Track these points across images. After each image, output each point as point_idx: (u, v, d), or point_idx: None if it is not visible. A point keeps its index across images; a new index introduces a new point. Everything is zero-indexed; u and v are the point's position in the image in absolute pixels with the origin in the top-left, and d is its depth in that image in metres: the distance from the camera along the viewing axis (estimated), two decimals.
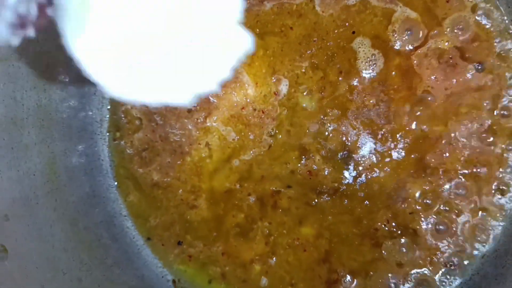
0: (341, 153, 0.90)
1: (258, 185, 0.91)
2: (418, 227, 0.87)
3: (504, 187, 0.87)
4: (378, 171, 0.89)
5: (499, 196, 0.87)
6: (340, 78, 0.91)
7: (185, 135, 0.94)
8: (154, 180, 0.94)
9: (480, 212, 0.87)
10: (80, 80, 0.87)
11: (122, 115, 0.96)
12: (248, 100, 0.93)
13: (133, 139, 0.95)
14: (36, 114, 0.80)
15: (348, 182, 0.90)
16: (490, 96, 0.87)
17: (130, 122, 0.95)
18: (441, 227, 0.87)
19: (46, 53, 0.80)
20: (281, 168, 0.91)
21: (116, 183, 0.95)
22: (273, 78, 0.93)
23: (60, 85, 0.86)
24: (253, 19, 0.93)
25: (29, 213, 0.75)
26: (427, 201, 0.87)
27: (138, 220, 0.94)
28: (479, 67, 0.88)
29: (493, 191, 0.87)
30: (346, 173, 0.90)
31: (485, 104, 0.88)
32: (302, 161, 0.91)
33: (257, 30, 0.93)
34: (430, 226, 0.87)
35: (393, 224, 0.88)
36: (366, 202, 0.89)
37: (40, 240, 0.75)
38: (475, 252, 0.87)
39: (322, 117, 0.91)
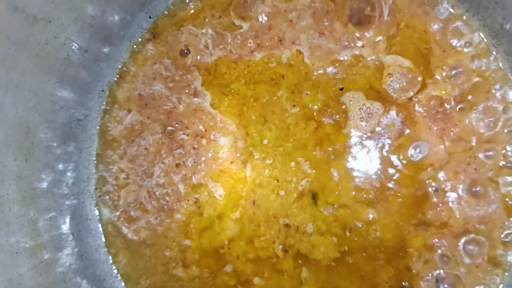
0: (337, 207, 0.88)
1: (251, 244, 0.89)
2: (420, 286, 0.85)
3: (508, 243, 0.84)
4: (377, 226, 0.86)
5: (503, 252, 0.84)
6: (334, 131, 0.88)
7: (174, 191, 0.91)
8: (142, 238, 0.92)
9: (485, 269, 0.84)
10: (64, 141, 0.85)
11: (109, 171, 0.93)
12: (237, 153, 0.90)
13: (121, 195, 0.93)
14: (17, 187, 0.77)
15: (348, 239, 0.87)
16: (491, 149, 0.85)
17: (117, 178, 0.93)
18: (445, 286, 0.84)
19: (24, 121, 0.78)
20: (275, 225, 0.89)
21: (104, 241, 0.93)
22: (263, 128, 0.90)
23: (43, 150, 0.83)
24: (242, 69, 0.90)
25: None
26: (428, 257, 0.85)
27: (128, 281, 0.92)
28: (480, 119, 0.85)
29: (496, 247, 0.84)
30: (344, 230, 0.87)
31: (485, 155, 0.85)
32: (297, 219, 0.88)
33: (247, 80, 0.90)
34: (432, 285, 0.85)
35: (395, 282, 0.86)
36: (368, 259, 0.86)
37: None
38: None
39: (315, 171, 0.88)
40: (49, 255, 0.81)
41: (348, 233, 0.87)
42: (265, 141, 0.90)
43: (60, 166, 0.87)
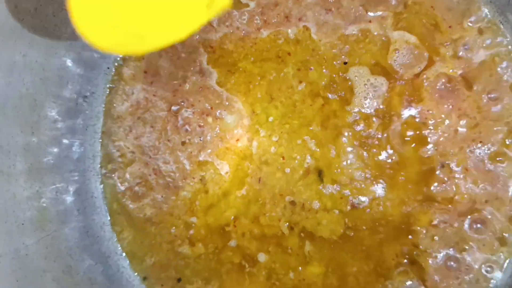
0: (343, 184, 0.87)
1: (256, 222, 0.88)
2: (427, 262, 0.84)
3: None
4: (384, 203, 0.86)
5: (510, 229, 0.84)
6: (340, 107, 0.88)
7: (179, 169, 0.91)
8: (147, 216, 0.92)
9: (491, 247, 0.84)
10: (70, 117, 0.85)
11: (115, 149, 0.93)
12: (243, 131, 0.90)
13: (126, 173, 0.93)
14: (23, 159, 0.77)
15: (354, 216, 0.86)
16: (498, 125, 0.84)
17: (123, 155, 0.93)
18: (452, 263, 0.84)
19: (32, 94, 0.78)
20: (281, 203, 0.88)
21: (109, 218, 0.93)
22: (270, 106, 0.90)
23: (49, 125, 0.83)
24: (249, 47, 0.90)
25: (18, 266, 0.72)
26: (435, 234, 0.85)
27: (133, 258, 0.92)
28: (486, 95, 0.85)
29: (503, 225, 0.84)
30: (350, 207, 0.87)
31: (491, 132, 0.84)
32: (303, 196, 0.88)
33: (254, 57, 0.90)
34: (439, 262, 0.84)
35: (403, 259, 0.85)
36: (374, 236, 0.86)
37: None
38: None
39: (321, 148, 0.88)
40: (54, 228, 0.81)
41: (353, 210, 0.86)
42: (271, 119, 0.89)
43: (66, 142, 0.87)
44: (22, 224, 0.74)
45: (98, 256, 0.89)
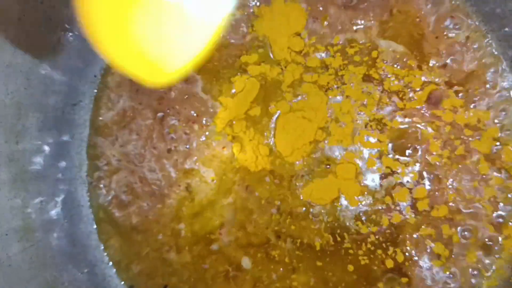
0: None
1: (243, 230, 0.88)
2: (413, 271, 0.85)
3: (499, 226, 0.84)
4: (371, 213, 0.86)
5: (495, 236, 0.84)
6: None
7: (165, 176, 0.91)
8: (133, 224, 0.91)
9: (477, 253, 0.84)
10: (56, 126, 0.84)
11: (101, 157, 0.93)
12: (229, 139, 0.90)
13: (112, 181, 0.92)
14: (7, 169, 0.76)
15: (341, 225, 0.87)
16: (482, 133, 0.85)
17: (109, 163, 0.92)
18: (438, 271, 0.84)
19: (16, 103, 0.77)
20: (268, 211, 0.88)
21: (96, 227, 0.92)
22: (255, 111, 0.89)
23: (34, 134, 0.82)
24: (234, 54, 0.90)
25: (1, 278, 0.71)
26: (421, 244, 0.85)
27: (120, 267, 0.92)
28: (472, 103, 0.85)
29: (488, 232, 0.84)
30: (338, 215, 0.87)
31: (477, 141, 0.85)
32: (290, 204, 0.88)
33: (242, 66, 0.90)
34: (426, 270, 0.85)
35: (390, 268, 0.85)
36: (361, 245, 0.86)
37: None
38: None
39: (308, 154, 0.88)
40: (39, 238, 0.81)
41: (341, 218, 0.86)
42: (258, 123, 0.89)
43: (52, 151, 0.87)
44: (6, 234, 0.74)
45: (84, 265, 0.89)
